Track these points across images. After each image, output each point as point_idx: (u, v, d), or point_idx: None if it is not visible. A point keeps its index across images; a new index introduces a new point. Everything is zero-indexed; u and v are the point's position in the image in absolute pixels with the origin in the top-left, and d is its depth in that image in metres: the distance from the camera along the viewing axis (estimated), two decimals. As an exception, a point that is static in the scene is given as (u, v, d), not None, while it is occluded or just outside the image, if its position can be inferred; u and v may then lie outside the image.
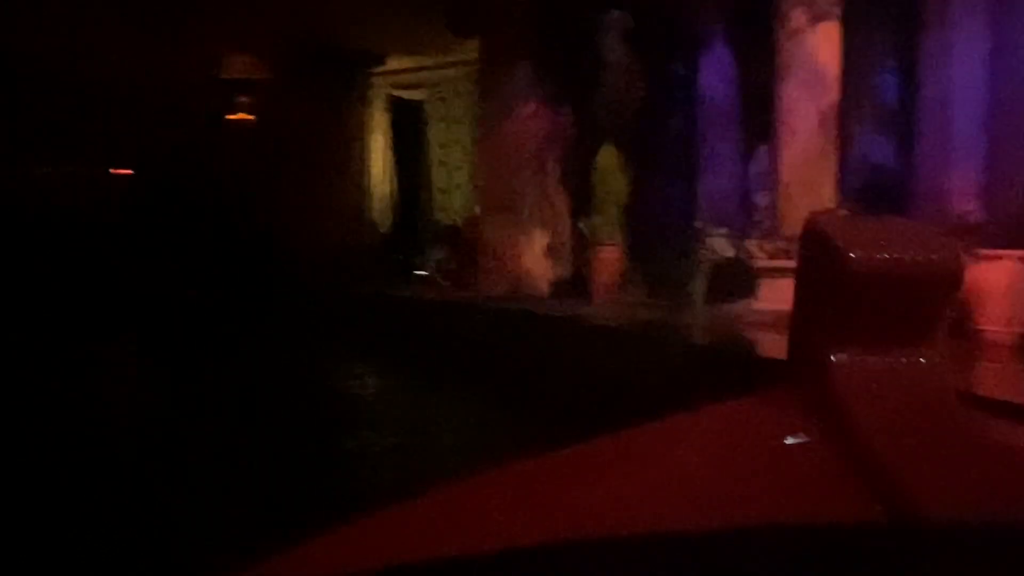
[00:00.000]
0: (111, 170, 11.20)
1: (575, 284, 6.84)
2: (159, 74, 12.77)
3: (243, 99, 11.36)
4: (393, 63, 10.42)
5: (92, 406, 5.56)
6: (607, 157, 6.54)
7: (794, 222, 5.09)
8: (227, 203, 11.47)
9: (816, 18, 5.05)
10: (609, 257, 6.37)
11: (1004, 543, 0.57)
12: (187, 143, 12.90)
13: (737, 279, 5.27)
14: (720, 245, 5.67)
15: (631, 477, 0.73)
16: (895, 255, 0.77)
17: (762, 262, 5.08)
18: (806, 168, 5.03)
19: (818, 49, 5.06)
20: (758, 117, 6.24)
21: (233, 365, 6.65)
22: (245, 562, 0.55)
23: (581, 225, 6.45)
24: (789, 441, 0.74)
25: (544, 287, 6.75)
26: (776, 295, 4.50)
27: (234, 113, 11.44)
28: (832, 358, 0.78)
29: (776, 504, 0.67)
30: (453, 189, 11.04)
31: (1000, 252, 4.14)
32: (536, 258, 6.71)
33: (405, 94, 10.87)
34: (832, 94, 5.12)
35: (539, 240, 6.76)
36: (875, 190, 5.27)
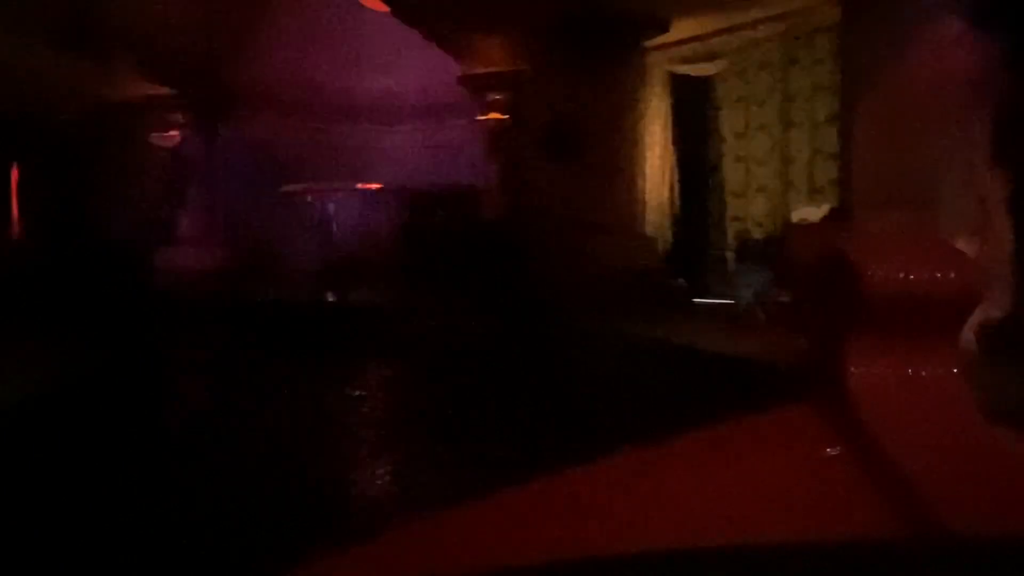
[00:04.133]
0: (358, 185, 10.26)
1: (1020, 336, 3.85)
2: (410, 78, 11.83)
3: (496, 96, 9.76)
4: (676, 30, 8.04)
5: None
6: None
7: None
8: (480, 218, 9.96)
9: None
10: None
11: None
12: (439, 151, 11.78)
13: None
14: None
15: (660, 492, 0.82)
16: (913, 274, 0.94)
17: None
18: None
19: None
20: None
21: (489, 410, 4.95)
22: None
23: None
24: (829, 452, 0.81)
25: (969, 338, 3.82)
26: None
27: (485, 113, 9.90)
28: (851, 372, 0.96)
29: (799, 517, 0.76)
30: (753, 192, 8.33)
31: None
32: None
33: (690, 70, 8.42)
34: None
35: (959, 259, 3.88)
36: None
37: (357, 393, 6.12)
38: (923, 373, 0.96)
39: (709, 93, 8.49)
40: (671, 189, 8.49)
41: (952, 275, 0.96)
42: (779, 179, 8.07)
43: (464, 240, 9.31)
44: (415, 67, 11.74)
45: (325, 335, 7.95)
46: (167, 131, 10.15)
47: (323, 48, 11.72)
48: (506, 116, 9.71)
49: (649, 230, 8.38)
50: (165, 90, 9.89)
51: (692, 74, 8.39)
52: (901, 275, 0.94)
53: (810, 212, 7.50)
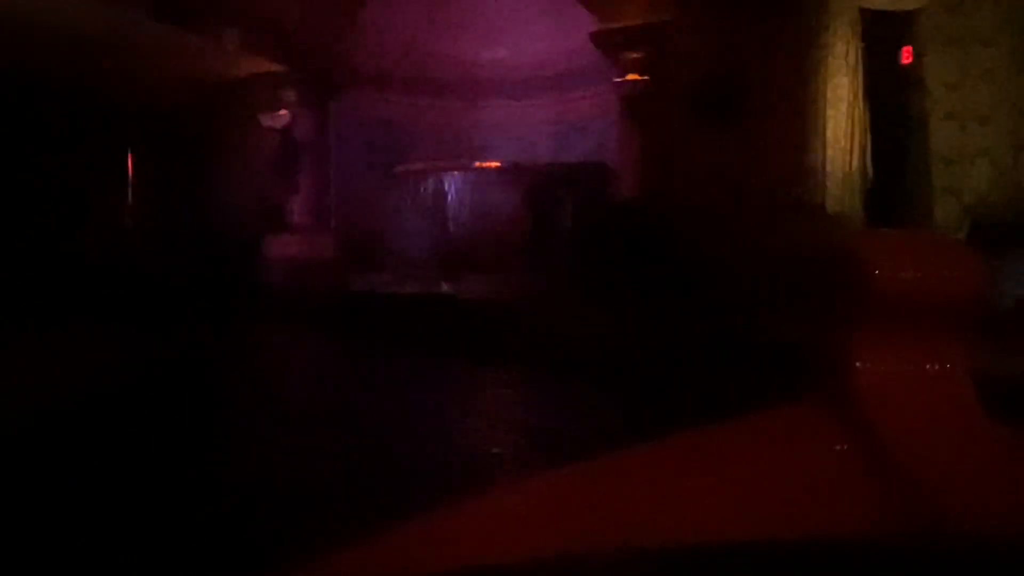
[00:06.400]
0: (476, 163, 9.21)
1: None
2: (534, 46, 10.66)
3: (634, 55, 8.39)
4: (871, -47, 6.37)
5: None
6: None
7: None
8: (616, 199, 8.68)
9: None
10: None
11: None
12: (567, 124, 10.57)
13: None
14: None
15: (670, 486, 0.86)
16: (919, 273, 0.86)
17: None
18: None
19: None
20: None
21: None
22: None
23: None
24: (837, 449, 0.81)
25: None
26: None
27: (622, 76, 8.55)
28: (857, 368, 0.95)
29: (803, 514, 0.73)
30: (970, 158, 6.53)
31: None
32: None
33: (886, 4, 6.69)
34: None
35: None
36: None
37: (475, 390, 5.20)
38: (929, 370, 0.93)
39: (911, 33, 6.72)
40: (861, 156, 6.83)
41: (958, 273, 0.93)
42: (1009, 139, 6.24)
43: (598, 224, 8.06)
44: (539, 34, 10.58)
45: (443, 328, 7.08)
46: (277, 111, 9.51)
47: (440, 18, 10.79)
48: (646, 77, 8.34)
49: (833, 206, 6.78)
50: (275, 67, 9.24)
51: (889, 9, 6.66)
52: (908, 273, 0.92)
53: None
